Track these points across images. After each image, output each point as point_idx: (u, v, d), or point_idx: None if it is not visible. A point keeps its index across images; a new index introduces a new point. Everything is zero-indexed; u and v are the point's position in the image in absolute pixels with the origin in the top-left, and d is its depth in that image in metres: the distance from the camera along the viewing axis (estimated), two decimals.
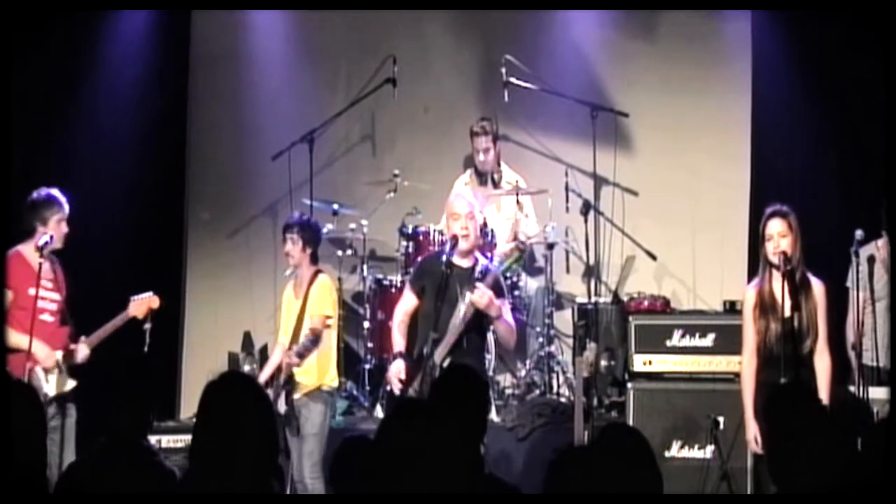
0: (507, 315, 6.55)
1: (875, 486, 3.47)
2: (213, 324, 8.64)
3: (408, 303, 6.73)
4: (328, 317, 6.74)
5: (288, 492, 6.46)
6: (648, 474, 3.03)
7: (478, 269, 6.62)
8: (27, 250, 6.40)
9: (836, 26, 7.80)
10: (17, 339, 6.20)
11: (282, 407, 6.68)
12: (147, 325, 6.51)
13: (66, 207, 6.47)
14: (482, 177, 8.16)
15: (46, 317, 6.40)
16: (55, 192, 6.49)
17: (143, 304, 6.53)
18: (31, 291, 6.34)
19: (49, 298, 6.43)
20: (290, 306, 6.85)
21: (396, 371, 6.47)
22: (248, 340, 8.30)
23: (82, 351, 6.42)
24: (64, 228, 6.46)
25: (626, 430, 3.68)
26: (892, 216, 6.67)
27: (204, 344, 8.60)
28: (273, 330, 7.30)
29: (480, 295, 6.33)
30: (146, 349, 6.47)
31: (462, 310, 6.41)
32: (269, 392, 6.63)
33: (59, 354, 6.35)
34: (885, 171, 6.45)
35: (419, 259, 7.11)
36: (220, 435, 3.23)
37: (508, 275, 7.59)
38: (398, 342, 6.64)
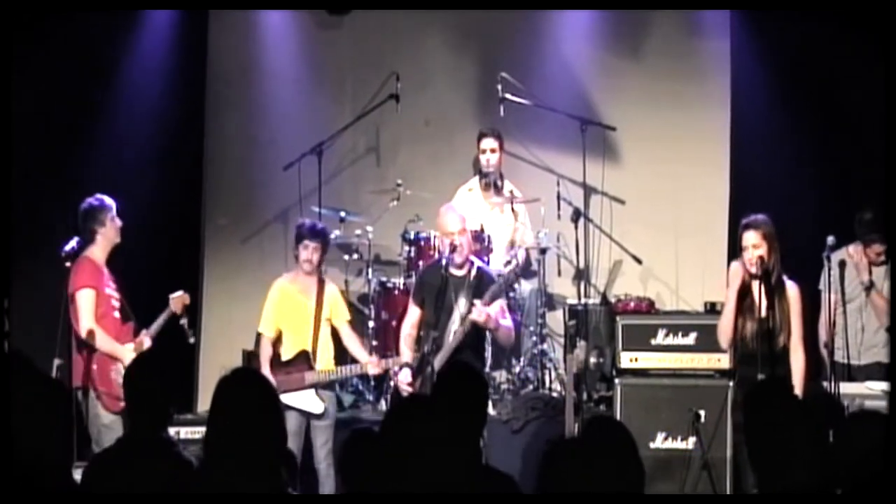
0: (505, 320, 6.59)
1: (846, 473, 3.48)
2: (228, 323, 8.63)
3: (413, 316, 6.80)
4: (349, 320, 7.01)
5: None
6: (631, 462, 3.03)
7: (472, 273, 6.65)
8: (94, 254, 6.52)
9: (812, 41, 7.81)
10: (104, 338, 6.39)
11: (319, 406, 6.73)
12: (184, 320, 6.69)
13: (114, 204, 6.62)
14: (486, 178, 8.13)
15: (115, 314, 6.54)
16: (100, 196, 6.63)
17: (178, 300, 6.70)
18: (107, 291, 6.48)
19: (114, 297, 6.56)
20: (298, 306, 6.85)
21: (405, 379, 6.53)
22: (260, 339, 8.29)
23: (146, 343, 6.56)
24: (118, 223, 6.63)
25: (609, 421, 3.68)
26: (891, 217, 6.65)
27: (219, 342, 8.59)
28: None
29: (479, 314, 6.42)
30: (192, 340, 6.78)
31: (457, 318, 6.52)
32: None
33: (130, 347, 6.46)
34: (885, 174, 6.43)
35: (418, 272, 7.13)
36: (231, 426, 3.24)
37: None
38: (405, 354, 6.71)
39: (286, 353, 6.87)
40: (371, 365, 6.87)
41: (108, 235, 6.57)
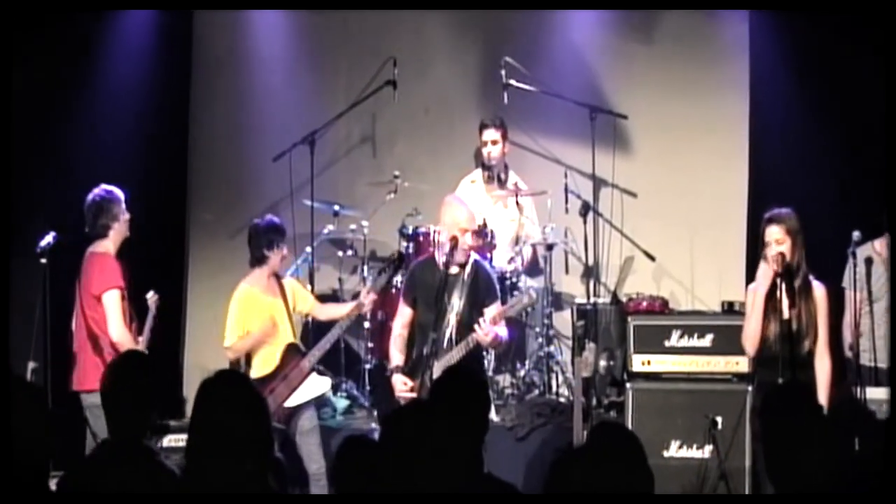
0: (503, 332, 6.60)
1: (871, 484, 3.47)
2: (214, 323, 8.56)
3: (404, 316, 6.78)
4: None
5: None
6: (639, 470, 3.03)
7: (467, 271, 6.64)
8: (110, 250, 6.51)
9: (834, 27, 7.77)
10: (131, 342, 6.40)
11: (326, 383, 6.87)
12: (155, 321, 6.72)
13: (123, 196, 6.62)
14: (489, 170, 8.11)
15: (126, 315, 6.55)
16: (106, 186, 6.61)
17: (152, 300, 6.75)
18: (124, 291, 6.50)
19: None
20: (271, 307, 6.83)
21: (401, 384, 6.51)
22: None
23: (142, 346, 6.57)
24: (126, 215, 6.63)
25: (615, 427, 3.67)
26: (892, 216, 6.66)
27: (206, 344, 8.56)
28: None
29: (485, 333, 6.40)
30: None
31: (453, 320, 6.52)
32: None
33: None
34: (885, 172, 6.44)
35: (409, 269, 7.08)
36: (215, 431, 3.22)
37: (507, 276, 7.62)
38: (395, 357, 6.68)
39: (269, 362, 6.81)
40: (365, 302, 6.87)
41: (120, 230, 6.58)
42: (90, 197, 6.57)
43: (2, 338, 6.50)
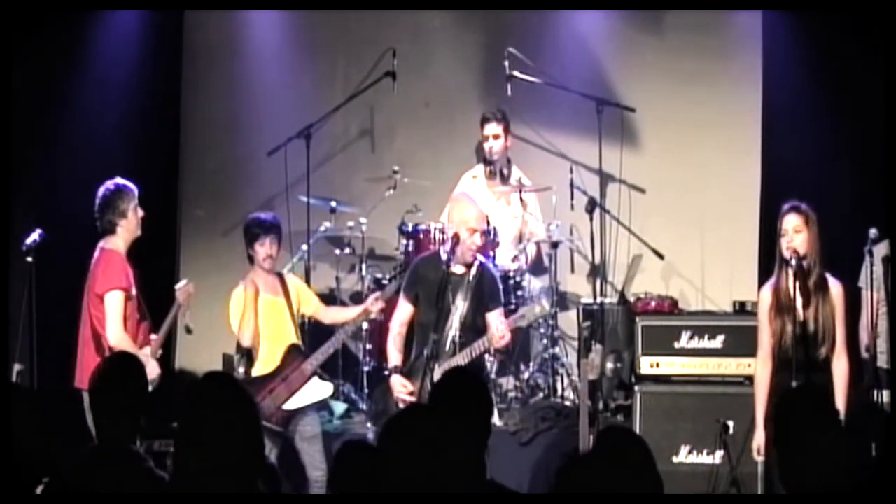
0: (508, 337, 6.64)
1: (881, 487, 3.47)
2: (207, 323, 8.57)
3: (404, 313, 6.75)
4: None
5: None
6: (647, 477, 3.03)
7: (472, 272, 6.63)
8: (119, 248, 6.45)
9: (848, 21, 7.76)
10: (131, 346, 6.29)
11: (328, 388, 6.81)
12: (188, 311, 6.64)
13: (137, 190, 6.54)
14: (492, 165, 8.11)
15: (136, 314, 6.50)
16: (120, 180, 6.54)
17: (185, 291, 6.63)
18: (132, 291, 6.44)
19: (135, 296, 6.51)
20: (272, 307, 6.81)
21: (400, 386, 6.49)
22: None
23: (156, 344, 6.55)
24: (140, 213, 6.55)
25: (623, 432, 3.67)
26: (891, 215, 6.65)
27: (198, 345, 8.56)
28: None
29: (501, 336, 6.40)
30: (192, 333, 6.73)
31: (456, 322, 6.51)
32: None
33: (148, 350, 6.44)
34: (885, 170, 6.43)
35: (411, 264, 7.06)
36: (203, 437, 3.22)
37: (511, 275, 7.61)
38: (394, 357, 6.67)
39: (269, 361, 6.81)
40: (373, 310, 6.81)
41: (129, 228, 6.50)
42: (100, 190, 6.50)
43: (1, 339, 6.50)
